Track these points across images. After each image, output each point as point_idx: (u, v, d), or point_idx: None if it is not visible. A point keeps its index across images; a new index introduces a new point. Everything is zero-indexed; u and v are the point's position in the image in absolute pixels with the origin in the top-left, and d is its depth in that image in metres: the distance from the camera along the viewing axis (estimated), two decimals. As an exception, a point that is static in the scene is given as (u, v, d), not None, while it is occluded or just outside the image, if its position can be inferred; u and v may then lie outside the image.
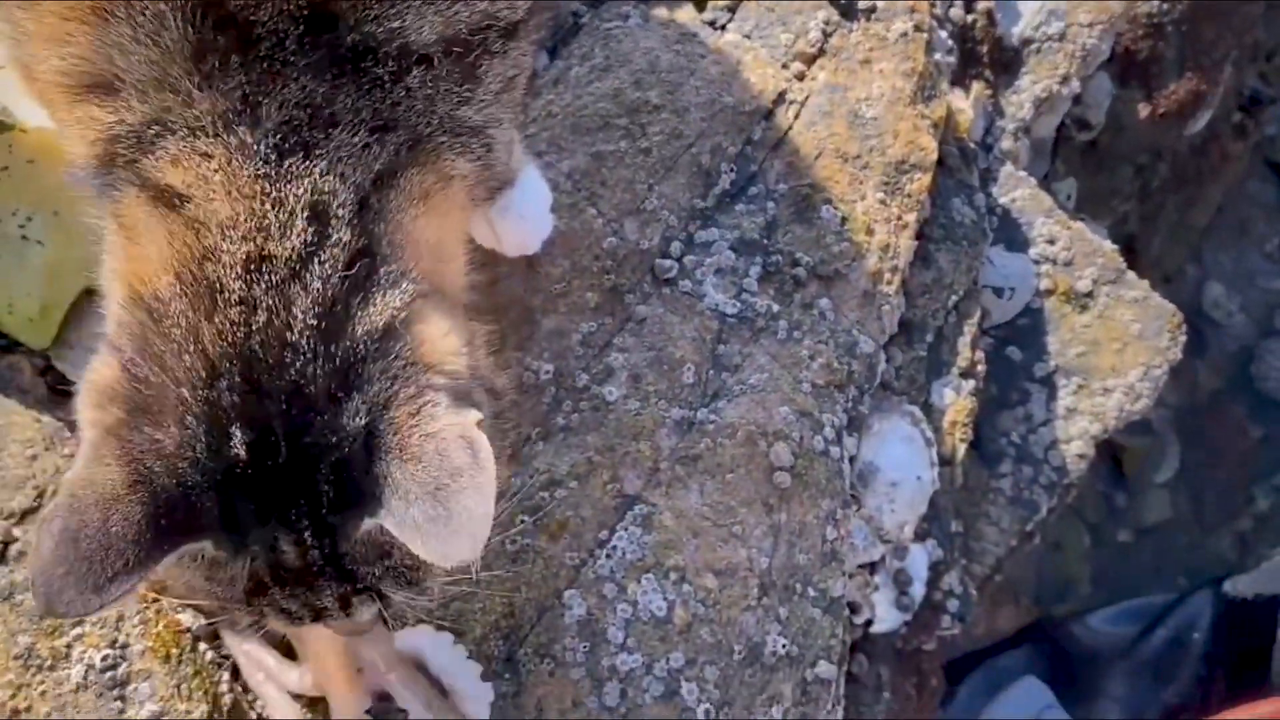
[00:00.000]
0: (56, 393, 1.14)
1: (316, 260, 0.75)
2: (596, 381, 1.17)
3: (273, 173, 0.76)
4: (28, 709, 1.00)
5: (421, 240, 0.82)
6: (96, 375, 0.77)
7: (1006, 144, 1.53)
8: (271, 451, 0.73)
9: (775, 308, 1.22)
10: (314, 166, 0.77)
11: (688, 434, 1.16)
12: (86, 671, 1.02)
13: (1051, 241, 1.49)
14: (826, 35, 1.34)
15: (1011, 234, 1.48)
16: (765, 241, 1.24)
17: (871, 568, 1.25)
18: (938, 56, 1.36)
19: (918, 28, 1.34)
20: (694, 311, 1.20)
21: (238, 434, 0.72)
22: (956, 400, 1.33)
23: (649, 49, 1.29)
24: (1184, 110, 1.82)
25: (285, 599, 0.78)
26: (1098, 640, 1.96)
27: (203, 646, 1.06)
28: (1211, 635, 1.94)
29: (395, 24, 0.79)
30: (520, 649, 1.09)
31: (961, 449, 1.33)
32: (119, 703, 1.01)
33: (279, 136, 0.76)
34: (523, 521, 1.11)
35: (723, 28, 1.34)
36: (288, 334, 0.73)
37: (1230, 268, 2.41)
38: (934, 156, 1.31)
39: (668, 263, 1.21)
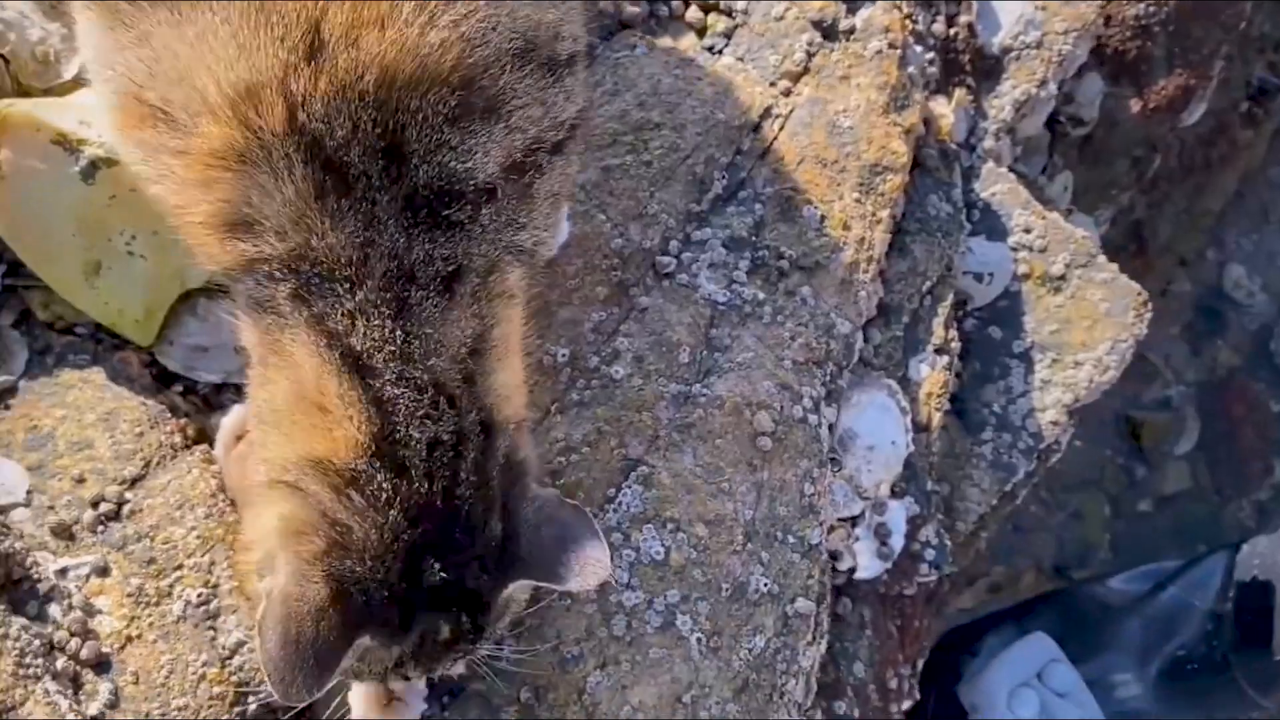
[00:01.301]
0: (159, 381, 1.37)
1: (468, 442, 0.99)
2: (605, 362, 1.36)
3: (400, 350, 0.95)
4: (139, 636, 1.22)
5: (504, 387, 1.04)
6: (291, 510, 0.99)
7: (989, 143, 1.68)
8: (449, 568, 0.99)
9: (761, 295, 1.40)
10: (414, 344, 0.95)
11: (683, 406, 1.35)
12: (185, 606, 1.23)
13: (1028, 230, 1.64)
14: (810, 55, 1.51)
15: (992, 225, 1.64)
16: (753, 238, 1.42)
17: (853, 521, 1.43)
18: (911, 70, 1.53)
19: (891, 45, 1.51)
20: (690, 301, 1.39)
21: (434, 564, 0.99)
22: (932, 374, 1.50)
23: (652, 74, 1.48)
24: (1174, 104, 1.95)
25: (416, 668, 1.05)
26: (1111, 597, 2.09)
27: (279, 587, 1.27)
28: (1221, 595, 2.05)
29: (468, 163, 0.95)
30: (541, 588, 1.28)
31: (937, 417, 1.49)
32: (211, 631, 1.23)
33: (387, 293, 0.94)
34: (544, 482, 1.31)
35: (719, 52, 1.53)
36: (457, 490, 0.99)
37: (1251, 249, 2.51)
38: (905, 159, 1.48)
39: (667, 259, 1.40)
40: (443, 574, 0.99)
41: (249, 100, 0.92)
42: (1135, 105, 1.93)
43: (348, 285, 0.95)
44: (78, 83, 1.40)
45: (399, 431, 0.97)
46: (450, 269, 0.97)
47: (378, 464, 0.96)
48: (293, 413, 0.99)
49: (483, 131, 0.95)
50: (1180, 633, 2.02)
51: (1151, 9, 1.89)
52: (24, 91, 1.38)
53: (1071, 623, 2.05)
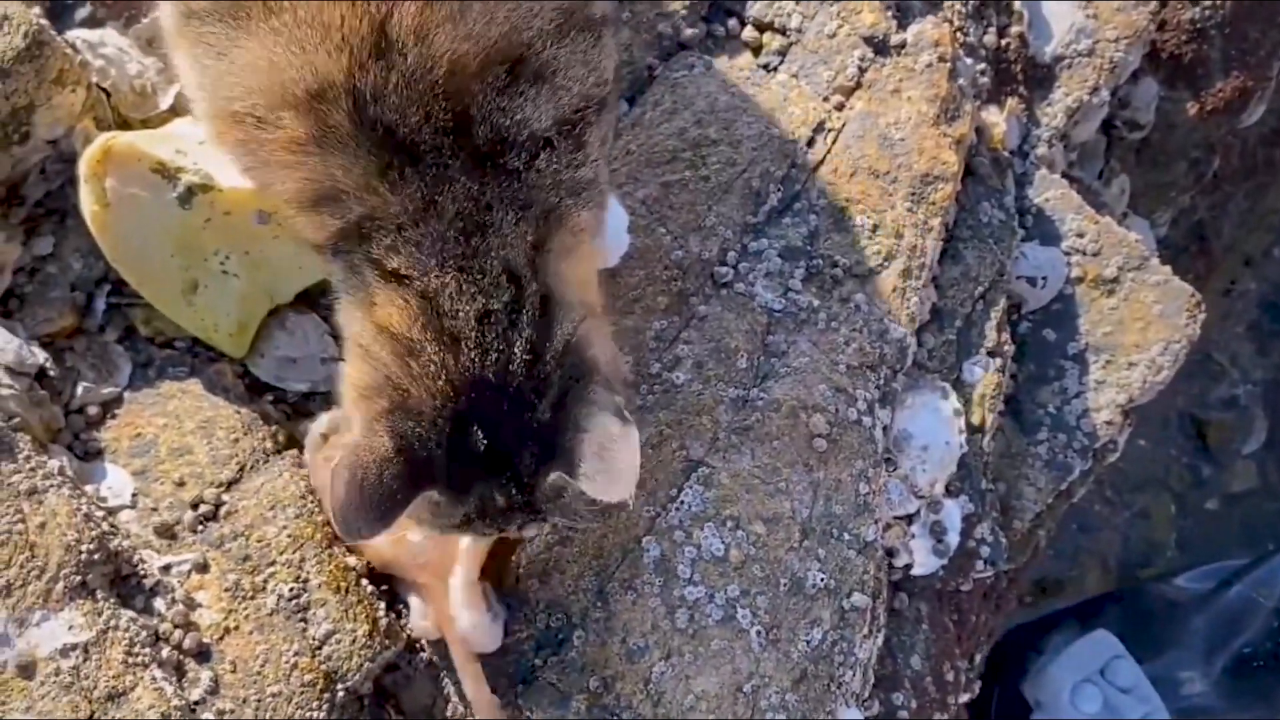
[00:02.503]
0: (252, 390, 1.47)
1: (523, 311, 1.07)
2: (667, 369, 1.43)
3: (467, 250, 1.06)
4: (236, 628, 1.31)
5: (572, 279, 1.12)
6: (358, 376, 1.10)
7: (1041, 150, 1.72)
8: (495, 439, 1.07)
9: (816, 303, 1.46)
10: (492, 241, 1.06)
11: (741, 409, 1.41)
12: (278, 600, 1.32)
13: (1081, 235, 1.68)
14: (862, 70, 1.57)
15: (1045, 229, 1.68)
16: (808, 248, 1.48)
17: (909, 519, 1.48)
18: (961, 81, 1.58)
19: (942, 58, 1.56)
20: (747, 309, 1.45)
21: (479, 433, 1.06)
22: (985, 376, 1.54)
23: (709, 92, 1.55)
24: (1231, 106, 1.96)
25: (484, 528, 1.13)
26: (1177, 595, 2.11)
27: (365, 582, 1.36)
28: (1287, 592, 2.06)
29: (519, 115, 1.06)
30: (609, 583, 1.35)
31: (991, 418, 1.54)
32: (302, 623, 1.31)
33: (460, 223, 1.05)
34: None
35: (774, 70, 1.59)
36: (509, 365, 1.06)
37: (1320, 248, 2.51)
38: (956, 169, 1.53)
39: (725, 269, 1.47)
40: (485, 442, 1.06)
41: (319, 98, 1.03)
42: (1192, 108, 1.96)
43: (396, 228, 1.05)
44: (174, 113, 1.50)
45: (445, 305, 1.05)
46: (519, 204, 1.07)
47: (429, 334, 1.06)
48: (354, 309, 1.11)
49: (530, 92, 1.06)
50: (1246, 630, 2.03)
51: (1207, 12, 1.91)
52: (124, 122, 1.49)
53: (1136, 620, 2.07)
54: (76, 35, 1.48)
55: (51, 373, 1.39)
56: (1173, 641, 2.04)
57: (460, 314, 1.05)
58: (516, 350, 1.06)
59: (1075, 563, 2.27)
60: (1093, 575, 2.27)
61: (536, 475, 1.08)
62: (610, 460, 1.03)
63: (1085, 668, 1.92)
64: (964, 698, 1.57)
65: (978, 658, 1.61)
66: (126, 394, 1.42)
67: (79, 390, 1.40)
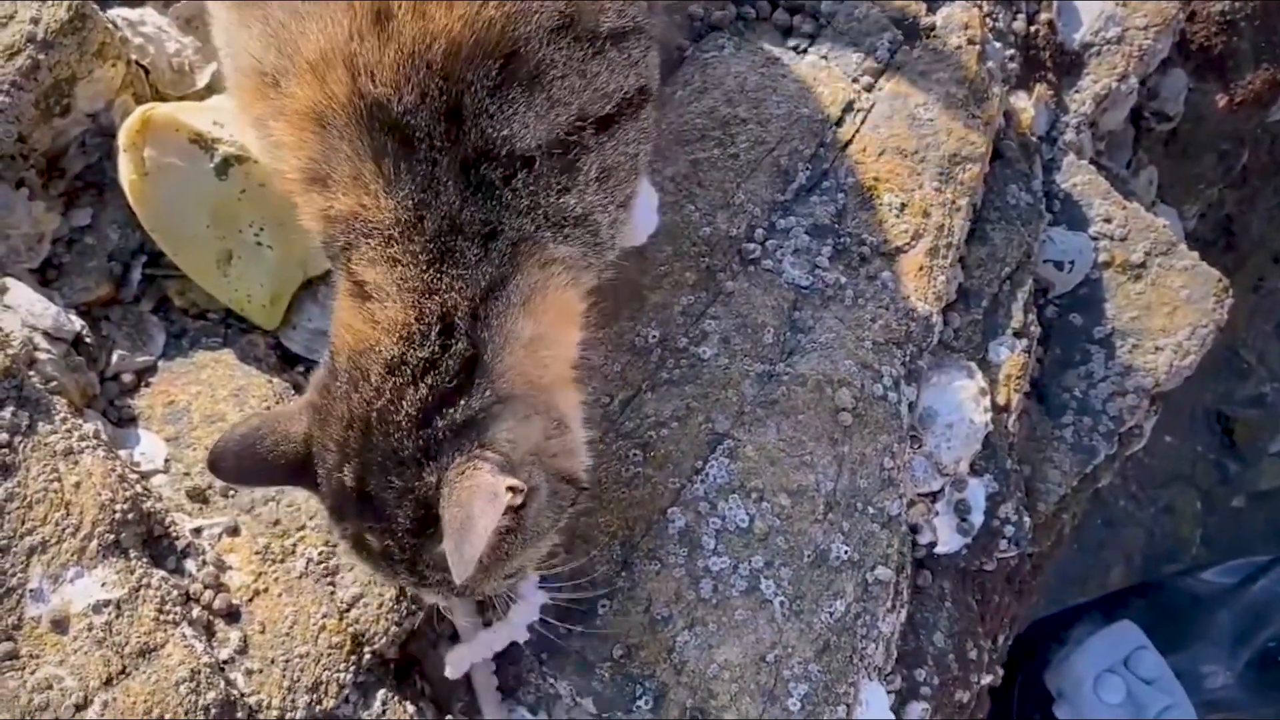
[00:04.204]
0: (284, 362, 1.49)
1: (435, 371, 1.04)
2: (694, 343, 1.44)
3: (424, 284, 1.03)
4: (265, 590, 1.33)
5: (519, 337, 1.07)
6: (316, 376, 1.13)
7: (1070, 136, 1.73)
8: (362, 483, 1.07)
9: (843, 280, 1.46)
10: (445, 279, 1.03)
11: (767, 383, 1.42)
12: (307, 564, 1.34)
13: (1108, 220, 1.68)
14: (892, 53, 1.58)
15: (1072, 214, 1.68)
16: (836, 226, 1.49)
17: (933, 497, 1.48)
18: (990, 65, 1.58)
19: (970, 41, 1.57)
20: (774, 285, 1.46)
21: (348, 471, 1.07)
22: (1011, 357, 1.55)
23: (739, 72, 1.56)
24: (1261, 99, 1.96)
25: (368, 566, 1.13)
26: (1201, 589, 2.09)
27: (391, 549, 1.37)
28: (1311, 588, 2.05)
29: (505, 130, 1.01)
30: (634, 554, 1.36)
31: (1016, 398, 1.54)
32: (330, 586, 1.33)
33: (432, 246, 1.02)
34: (635, 455, 1.40)
35: (804, 51, 1.60)
36: (393, 416, 1.04)
37: (1350, 244, 2.49)
38: (983, 150, 1.54)
39: (752, 246, 1.48)
40: (355, 487, 1.06)
41: (323, 65, 1.01)
42: (1221, 100, 1.96)
43: (383, 239, 1.03)
44: (210, 90, 1.52)
45: (374, 338, 1.05)
46: (488, 229, 1.04)
47: (347, 365, 1.07)
48: (336, 312, 1.13)
49: (521, 100, 1.02)
50: (1271, 624, 2.02)
51: (1237, 4, 1.91)
52: (162, 98, 1.51)
53: (1160, 614, 2.06)
54: (117, 13, 1.51)
55: (88, 340, 1.41)
56: (1197, 635, 2.03)
57: (380, 352, 1.04)
58: (405, 407, 1.04)
59: (1099, 557, 2.26)
60: (1117, 570, 2.26)
61: (419, 540, 1.06)
62: (457, 539, 0.98)
63: (1109, 658, 1.91)
64: (986, 678, 1.56)
65: (1000, 639, 1.61)
66: (160, 363, 1.44)
67: (114, 358, 1.43)
